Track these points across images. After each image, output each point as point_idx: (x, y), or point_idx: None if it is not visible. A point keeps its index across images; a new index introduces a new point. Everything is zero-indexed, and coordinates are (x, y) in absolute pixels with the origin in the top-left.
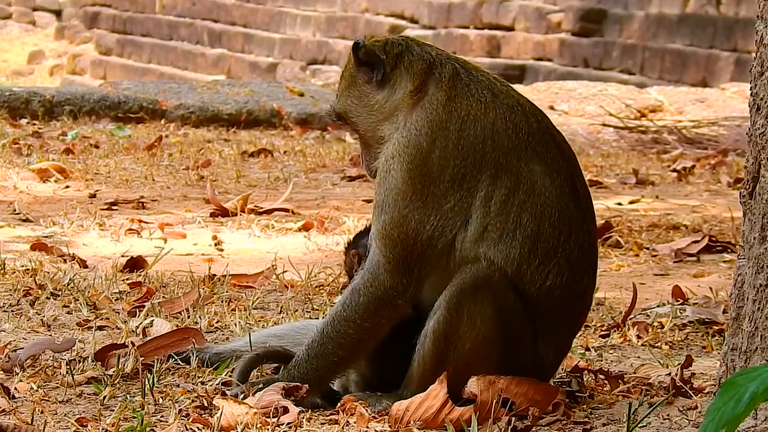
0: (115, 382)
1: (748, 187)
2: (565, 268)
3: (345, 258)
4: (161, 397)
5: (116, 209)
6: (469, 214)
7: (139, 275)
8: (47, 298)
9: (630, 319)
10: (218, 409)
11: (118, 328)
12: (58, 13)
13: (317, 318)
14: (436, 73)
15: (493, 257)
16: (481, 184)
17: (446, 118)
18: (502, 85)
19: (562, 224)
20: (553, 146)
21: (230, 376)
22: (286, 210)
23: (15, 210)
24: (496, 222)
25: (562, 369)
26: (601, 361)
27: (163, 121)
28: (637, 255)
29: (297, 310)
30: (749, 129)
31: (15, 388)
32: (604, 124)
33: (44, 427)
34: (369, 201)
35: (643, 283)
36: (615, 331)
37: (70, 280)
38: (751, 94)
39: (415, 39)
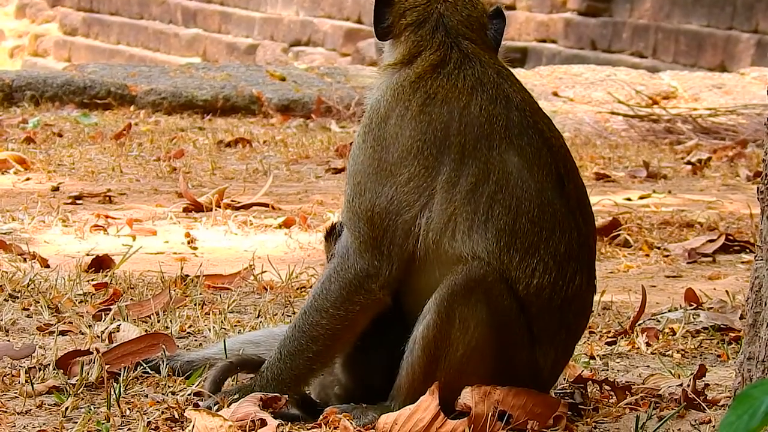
0: (79, 391)
1: (766, 182)
2: (552, 266)
3: (326, 246)
4: (128, 409)
5: (81, 203)
6: (432, 196)
7: (106, 276)
8: (5, 300)
9: (639, 324)
10: (190, 422)
11: (82, 333)
12: None
13: None
14: (420, 58)
15: (475, 251)
16: (443, 166)
17: (410, 92)
18: (499, 76)
19: (543, 220)
20: (538, 140)
21: (203, 385)
22: (265, 205)
23: None
24: (463, 212)
25: (564, 379)
26: (607, 370)
27: (132, 108)
28: (647, 255)
29: (276, 314)
30: None
31: None
32: (613, 112)
33: None
34: None
35: (654, 286)
36: (622, 338)
37: (30, 280)
38: None
39: (456, 13)
